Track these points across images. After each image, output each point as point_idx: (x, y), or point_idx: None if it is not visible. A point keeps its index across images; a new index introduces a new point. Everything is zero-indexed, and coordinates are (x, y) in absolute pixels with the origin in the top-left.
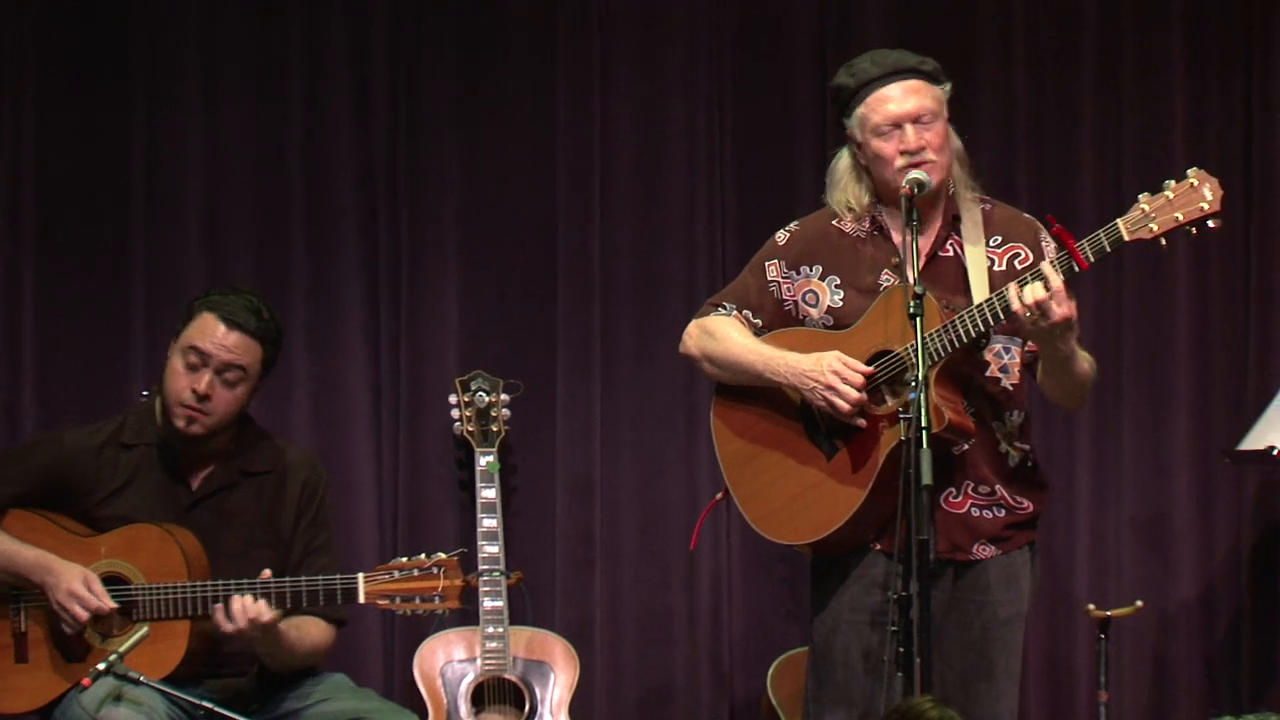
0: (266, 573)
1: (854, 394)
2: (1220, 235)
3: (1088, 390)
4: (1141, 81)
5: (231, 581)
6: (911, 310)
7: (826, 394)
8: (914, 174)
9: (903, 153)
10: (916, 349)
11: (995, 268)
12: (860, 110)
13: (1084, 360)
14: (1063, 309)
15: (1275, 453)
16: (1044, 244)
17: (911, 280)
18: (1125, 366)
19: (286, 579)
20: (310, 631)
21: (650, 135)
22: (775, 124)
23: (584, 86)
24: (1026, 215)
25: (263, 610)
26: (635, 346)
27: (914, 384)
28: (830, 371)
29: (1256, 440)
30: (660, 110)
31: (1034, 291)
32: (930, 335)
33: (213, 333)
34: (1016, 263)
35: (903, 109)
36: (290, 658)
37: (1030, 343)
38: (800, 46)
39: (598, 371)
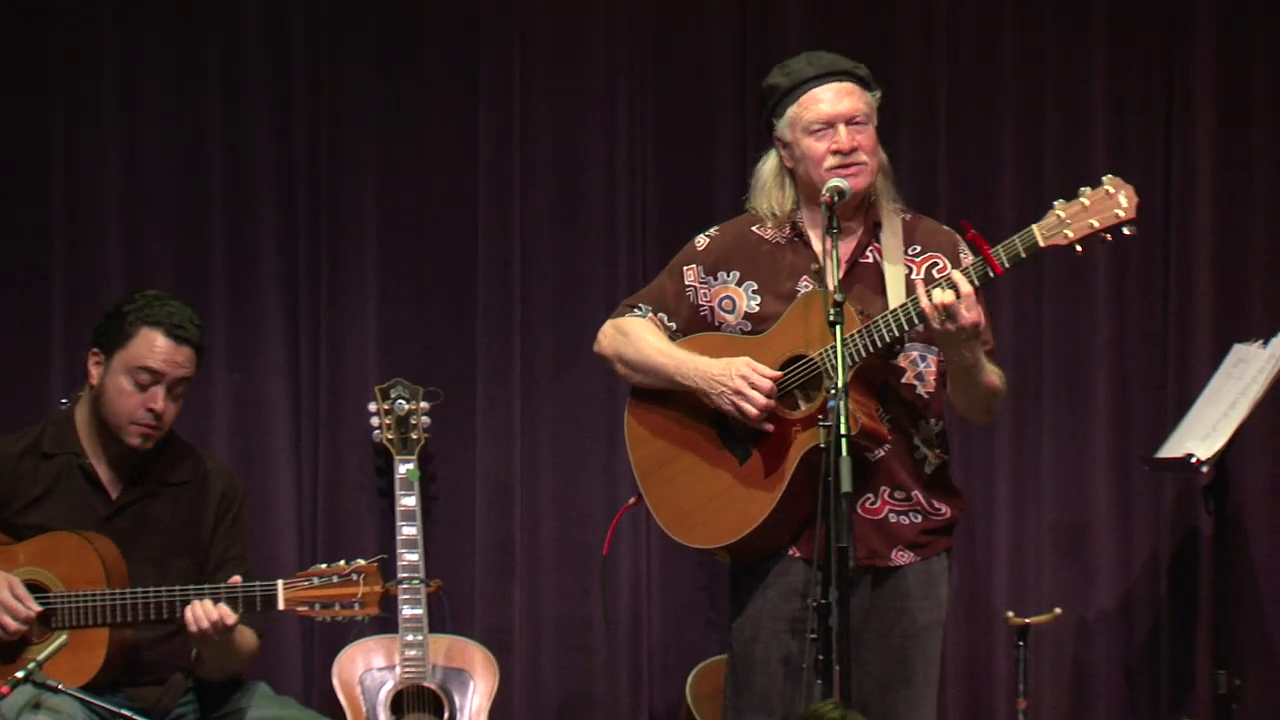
0: (236, 578)
1: (761, 399)
2: (1140, 242)
3: (994, 405)
4: (1063, 86)
5: (150, 589)
6: (832, 318)
7: (734, 399)
8: (834, 182)
9: (834, 152)
10: (836, 357)
11: (913, 276)
12: (793, 109)
13: (992, 373)
14: (971, 314)
15: (1193, 460)
16: (962, 255)
17: (832, 288)
18: (1045, 373)
19: (206, 586)
20: (247, 637)
21: (570, 145)
22: (695, 133)
23: (504, 97)
24: (946, 227)
25: (226, 614)
26: (555, 355)
27: (832, 391)
28: (738, 376)
29: (1175, 448)
30: (580, 120)
31: (943, 295)
32: (846, 340)
33: (163, 350)
34: (935, 272)
35: (836, 109)
36: (235, 663)
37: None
38: (720, 56)
39: (517, 379)
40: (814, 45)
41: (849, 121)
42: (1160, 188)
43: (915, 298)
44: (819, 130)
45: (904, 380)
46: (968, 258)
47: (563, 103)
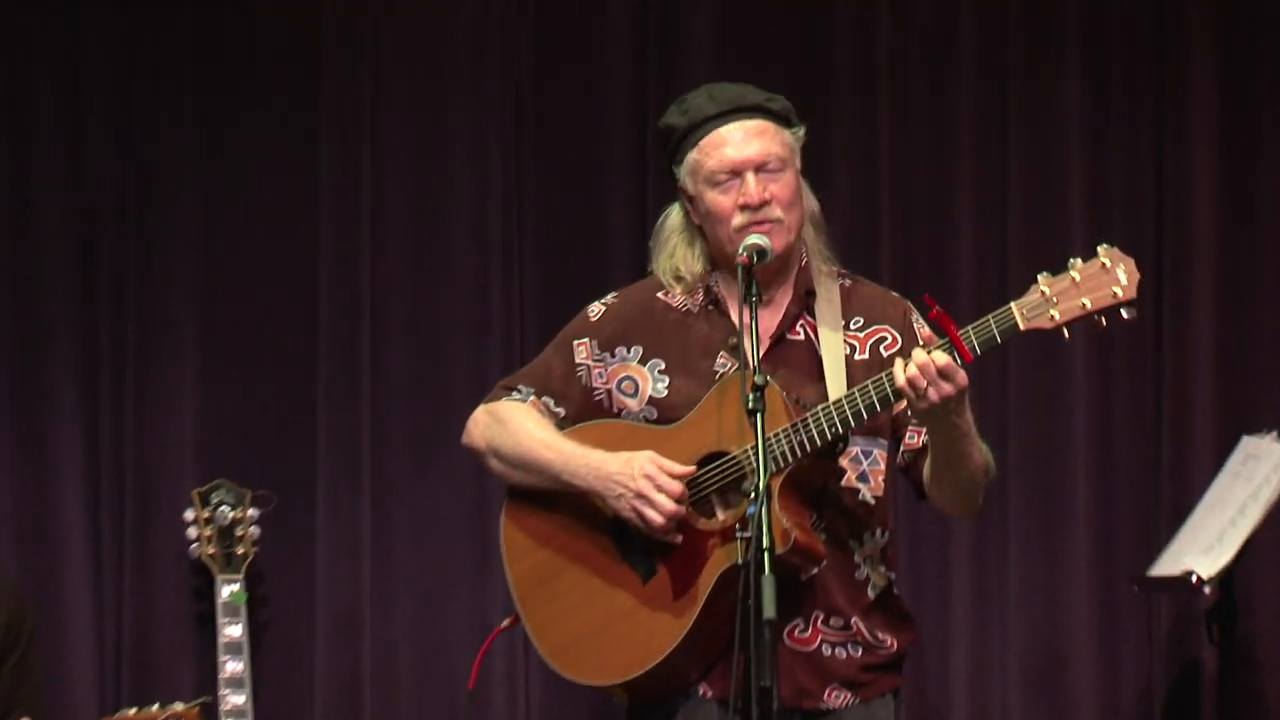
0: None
1: (669, 505)
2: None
3: (983, 486)
4: (1031, 123)
5: None
6: (750, 405)
7: (636, 504)
8: (752, 238)
9: (742, 207)
10: (757, 453)
11: (856, 355)
12: (692, 155)
13: (984, 449)
14: (958, 377)
15: (1194, 579)
16: (916, 326)
17: (751, 368)
18: (1011, 475)
19: None
20: None
21: (430, 199)
22: (584, 179)
23: (349, 141)
24: (894, 294)
25: None
26: (413, 450)
27: (753, 495)
28: (641, 476)
29: (1171, 564)
30: (443, 167)
31: (938, 356)
32: (775, 436)
33: None
34: (882, 348)
35: (743, 154)
36: None
37: (903, 438)
38: (614, 83)
39: (367, 480)
40: (730, 70)
41: (759, 169)
42: (1151, 243)
43: (879, 379)
44: (723, 180)
45: (844, 483)
46: (922, 328)
47: (422, 146)
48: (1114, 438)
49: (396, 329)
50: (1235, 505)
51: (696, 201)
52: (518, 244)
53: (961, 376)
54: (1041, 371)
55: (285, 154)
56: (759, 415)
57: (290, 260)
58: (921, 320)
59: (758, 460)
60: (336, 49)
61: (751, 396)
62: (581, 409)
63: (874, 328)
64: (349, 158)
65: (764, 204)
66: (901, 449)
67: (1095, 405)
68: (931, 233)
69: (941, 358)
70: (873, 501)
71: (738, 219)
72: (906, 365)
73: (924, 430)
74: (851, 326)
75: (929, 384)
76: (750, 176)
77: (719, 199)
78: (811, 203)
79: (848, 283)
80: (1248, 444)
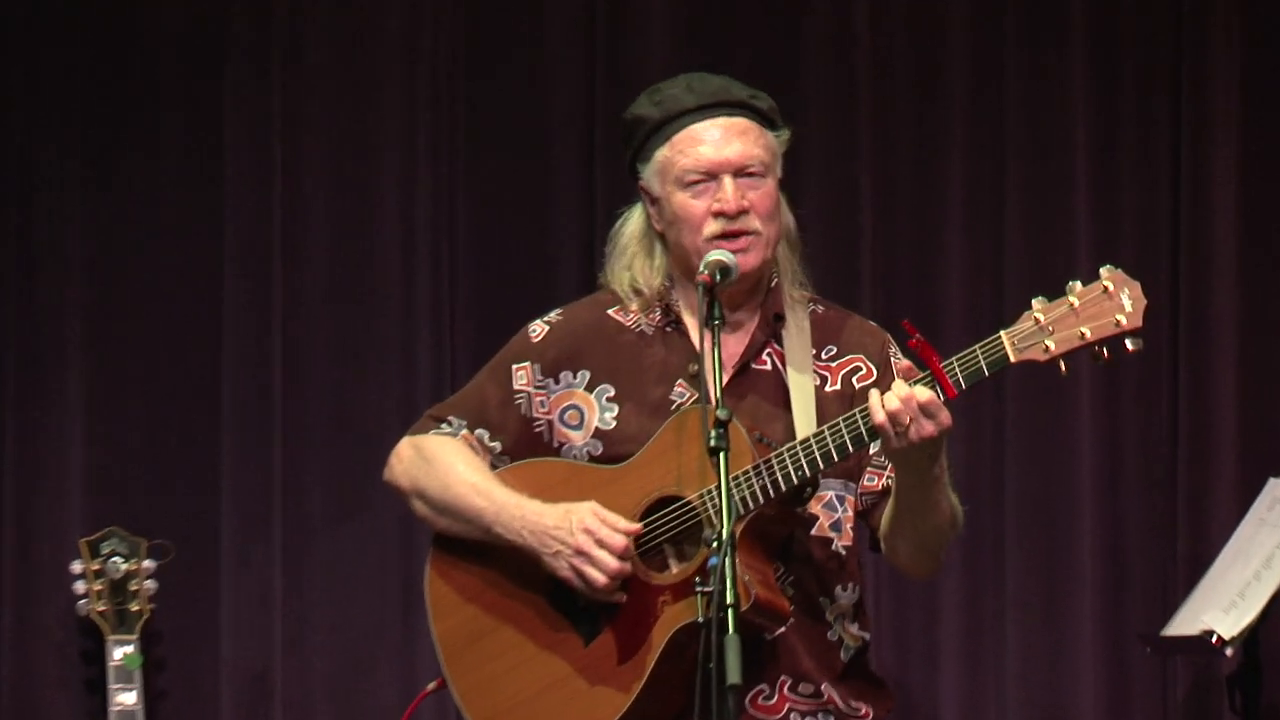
0: None
1: (612, 563)
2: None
3: (948, 543)
4: (1031, 123)
5: None
6: (713, 442)
7: (575, 562)
8: (715, 254)
9: (716, 215)
10: (720, 496)
11: (827, 387)
12: (663, 152)
13: (954, 500)
14: (943, 416)
15: (1214, 639)
16: (893, 359)
17: (713, 400)
18: (1007, 516)
19: None
20: None
21: (352, 208)
22: (524, 183)
23: (258, 144)
24: (871, 324)
25: None
26: (331, 491)
27: (715, 544)
28: (580, 530)
29: (1188, 622)
30: (363, 170)
31: (898, 392)
32: (736, 479)
33: None
34: (855, 380)
35: (722, 154)
36: None
37: (862, 478)
38: (559, 79)
39: (278, 529)
40: (683, 64)
41: (739, 172)
42: (1166, 261)
43: (850, 416)
44: (697, 182)
45: (815, 532)
46: (900, 361)
47: (342, 149)
48: (1123, 481)
49: (312, 353)
50: (1261, 556)
51: (662, 205)
52: (449, 255)
53: (945, 415)
54: (1041, 408)
55: (185, 163)
56: (722, 454)
57: (191, 278)
58: (900, 353)
59: (722, 504)
60: (243, 36)
61: (714, 433)
62: (520, 442)
63: (847, 357)
64: (257, 166)
65: (741, 212)
66: (859, 491)
67: (1102, 445)
68: (916, 249)
69: (924, 392)
70: (843, 552)
71: (710, 227)
72: (885, 399)
73: (886, 472)
74: (823, 356)
75: (910, 421)
76: (728, 180)
77: (690, 203)
78: (788, 218)
79: (820, 309)
80: (1275, 486)
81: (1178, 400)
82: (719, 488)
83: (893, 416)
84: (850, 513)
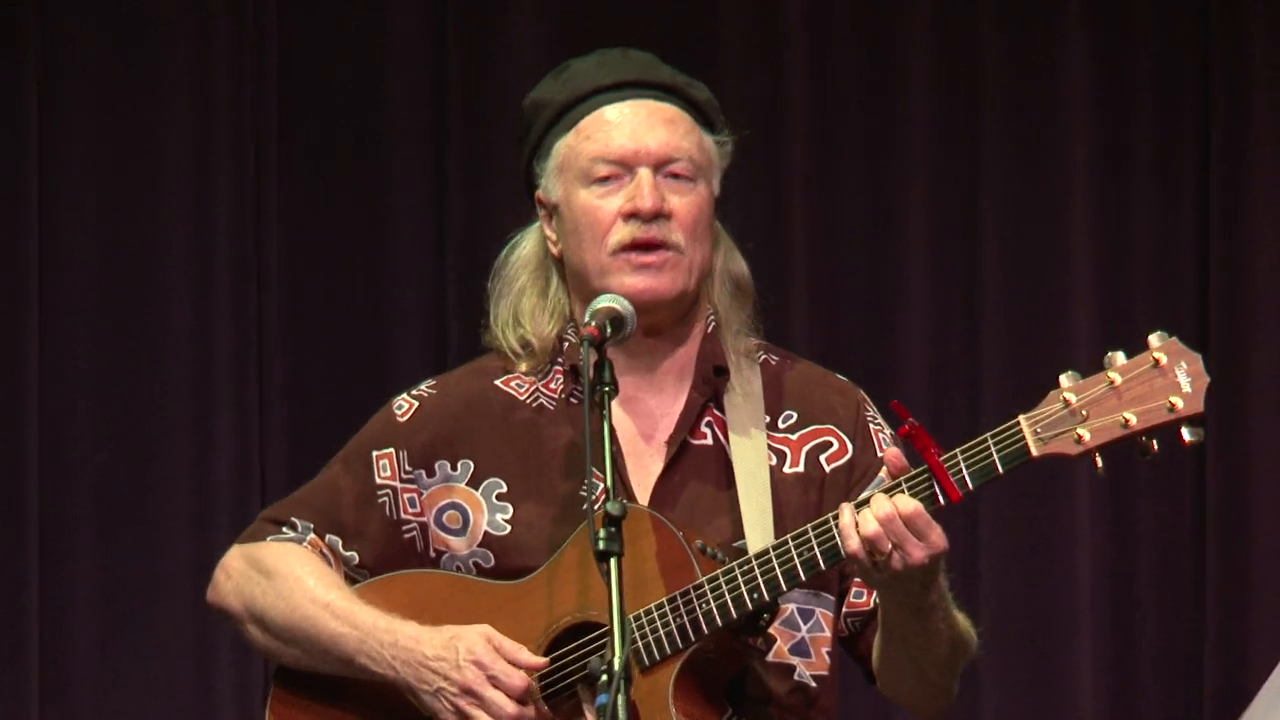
0: None
1: (508, 708)
2: None
3: (958, 674)
4: (1012, 136)
5: None
6: (601, 545)
7: (461, 703)
8: (605, 300)
9: (628, 217)
10: (611, 616)
11: (785, 467)
12: (566, 140)
13: (959, 621)
14: (934, 536)
15: None
16: (872, 428)
17: (603, 488)
18: (986, 646)
19: None
20: None
21: (126, 233)
22: (358, 203)
23: (16, 151)
24: (839, 377)
25: None
26: (102, 616)
27: (602, 678)
28: (470, 664)
29: None
30: (142, 191)
31: (877, 510)
32: (674, 601)
33: None
34: (824, 460)
35: (640, 141)
36: None
37: (848, 594)
38: (403, 68)
39: (34, 660)
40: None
41: (660, 166)
42: (1193, 305)
43: (821, 525)
44: (606, 178)
45: (773, 659)
46: (883, 431)
47: (116, 165)
48: (1135, 593)
49: (78, 432)
50: None
51: (561, 213)
52: (257, 301)
53: (937, 534)
54: (1028, 501)
55: None
56: (613, 562)
57: None
58: (881, 419)
59: (613, 624)
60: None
61: (602, 533)
62: (384, 552)
63: (812, 428)
64: (7, 188)
65: (658, 215)
66: (844, 611)
67: (1107, 545)
68: (867, 289)
69: (909, 504)
70: (813, 684)
71: (618, 232)
72: (860, 520)
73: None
74: (780, 425)
75: (893, 547)
76: (645, 173)
77: (593, 203)
78: (735, 263)
79: (773, 359)
80: None
81: (1205, 487)
82: (649, 611)
83: (870, 543)
84: (825, 631)
